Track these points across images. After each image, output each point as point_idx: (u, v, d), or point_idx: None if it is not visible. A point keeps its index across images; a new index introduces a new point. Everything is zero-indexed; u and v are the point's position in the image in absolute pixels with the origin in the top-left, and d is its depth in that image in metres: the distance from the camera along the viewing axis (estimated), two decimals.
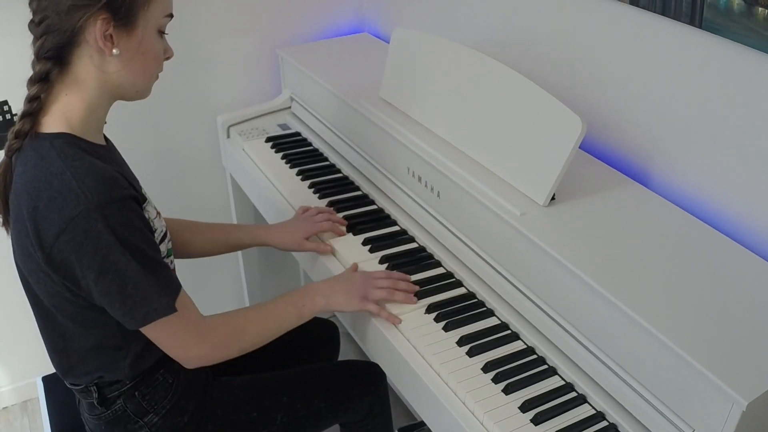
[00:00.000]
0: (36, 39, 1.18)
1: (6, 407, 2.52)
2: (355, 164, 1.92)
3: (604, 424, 1.22)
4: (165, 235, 1.37)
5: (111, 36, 1.17)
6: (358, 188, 1.88)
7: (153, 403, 1.37)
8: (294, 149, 2.08)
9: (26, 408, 2.51)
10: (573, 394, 1.27)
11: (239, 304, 2.71)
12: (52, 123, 1.20)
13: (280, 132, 2.18)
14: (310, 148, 2.09)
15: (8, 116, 2.03)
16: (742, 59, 1.27)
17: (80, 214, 1.11)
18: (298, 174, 1.94)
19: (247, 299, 2.65)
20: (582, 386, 1.26)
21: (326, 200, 1.81)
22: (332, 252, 1.64)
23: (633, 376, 1.18)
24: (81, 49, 1.18)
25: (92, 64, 1.20)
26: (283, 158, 2.03)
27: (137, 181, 1.35)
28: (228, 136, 2.23)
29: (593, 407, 1.25)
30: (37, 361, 2.45)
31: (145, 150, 2.25)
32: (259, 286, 2.64)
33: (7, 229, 1.28)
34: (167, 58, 1.30)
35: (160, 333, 1.24)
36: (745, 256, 1.29)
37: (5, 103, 2.02)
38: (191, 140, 2.34)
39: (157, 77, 1.30)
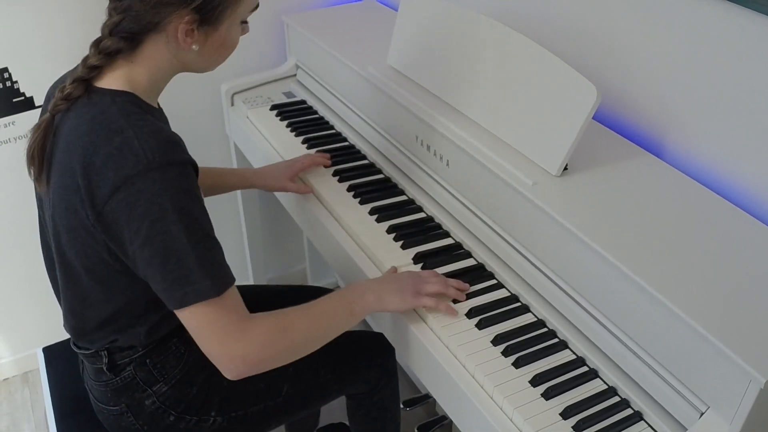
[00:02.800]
0: (112, 12, 1.14)
1: (6, 379, 2.51)
2: (361, 132, 1.88)
3: (616, 399, 1.19)
4: None
5: (193, 31, 1.16)
6: (364, 157, 1.84)
7: (164, 372, 1.35)
8: (299, 117, 2.04)
9: (27, 379, 2.51)
10: (584, 369, 1.25)
11: (242, 279, 2.70)
12: (115, 81, 1.16)
13: (285, 100, 2.15)
14: (316, 116, 2.05)
15: (8, 83, 2.00)
16: (760, 28, 1.24)
17: (138, 173, 1.06)
18: (303, 142, 1.91)
19: (251, 275, 2.63)
20: (594, 360, 1.24)
21: (332, 168, 1.78)
22: (313, 193, 1.70)
23: (646, 351, 1.15)
24: (158, 35, 1.15)
25: (167, 49, 1.17)
26: (288, 126, 1.99)
27: None
28: (232, 105, 2.20)
29: (605, 382, 1.22)
30: (37, 332, 2.45)
31: None
32: (262, 260, 2.63)
33: (38, 186, 1.23)
34: (243, 34, 1.29)
35: (199, 320, 1.13)
36: (761, 230, 1.26)
37: (5, 70, 1.98)
38: (194, 108, 2.30)
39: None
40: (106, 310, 1.26)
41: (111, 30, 1.14)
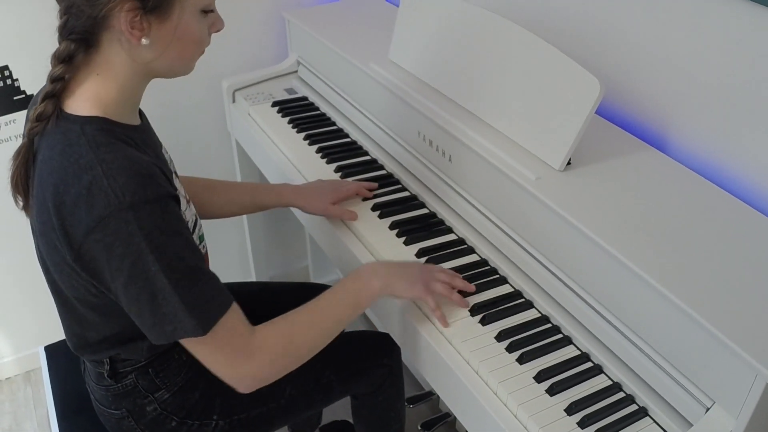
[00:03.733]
0: (60, 14, 1.08)
1: (9, 378, 2.51)
2: (363, 129, 1.87)
3: (621, 395, 1.19)
4: (195, 223, 1.30)
5: (140, 24, 1.06)
6: (366, 153, 1.83)
7: (166, 380, 1.34)
8: (301, 114, 2.04)
9: (29, 378, 2.50)
10: (589, 365, 1.24)
11: (245, 275, 2.69)
12: (84, 104, 1.09)
13: (287, 96, 2.14)
14: (318, 112, 2.04)
15: (8, 81, 1.99)
16: (763, 21, 1.23)
17: (111, 214, 1.01)
18: (305, 139, 1.90)
19: (252, 270, 2.63)
20: (598, 356, 1.23)
21: (334, 165, 1.77)
22: (357, 218, 1.59)
23: (651, 346, 1.15)
24: (110, 33, 1.07)
25: (123, 50, 1.09)
26: (289, 123, 1.98)
27: (170, 162, 1.28)
28: (233, 101, 2.19)
29: (610, 378, 1.21)
30: (39, 330, 2.45)
31: (148, 116, 2.20)
32: (264, 256, 2.62)
33: (26, 213, 1.19)
34: (216, 31, 1.19)
35: (201, 351, 1.13)
36: (765, 223, 1.25)
37: (6, 68, 1.98)
38: (195, 105, 2.30)
39: (201, 53, 1.18)
40: (106, 332, 1.24)
41: (61, 32, 1.08)
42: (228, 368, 1.15)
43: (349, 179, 1.71)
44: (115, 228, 1.01)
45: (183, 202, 1.22)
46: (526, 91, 1.41)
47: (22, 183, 1.14)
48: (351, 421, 1.82)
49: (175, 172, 1.31)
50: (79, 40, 1.08)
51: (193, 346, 1.12)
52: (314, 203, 1.59)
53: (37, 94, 1.21)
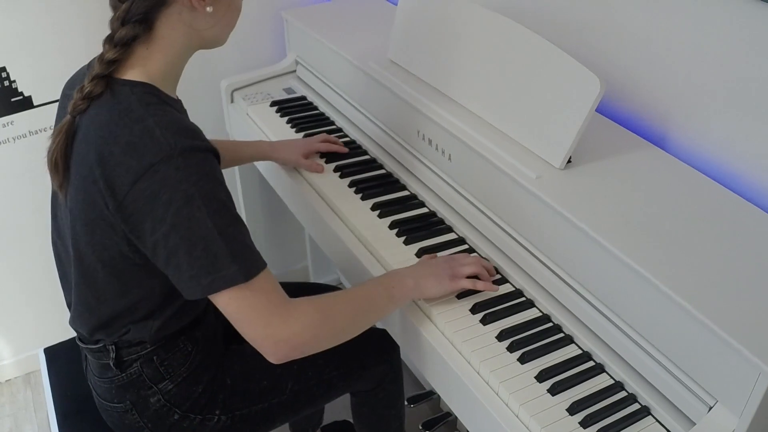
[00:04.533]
0: (117, 3, 1.12)
1: (9, 380, 2.50)
2: (362, 128, 1.87)
3: (623, 394, 1.18)
4: None
5: None
6: (365, 152, 1.83)
7: (170, 369, 1.34)
8: (300, 113, 2.03)
9: (29, 380, 2.50)
10: (590, 364, 1.23)
11: None
12: (132, 72, 1.15)
13: (286, 96, 2.14)
14: (316, 112, 2.04)
15: (6, 83, 1.98)
16: (764, 17, 1.22)
17: (161, 161, 1.04)
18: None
19: None
20: (600, 355, 1.22)
21: (333, 164, 1.77)
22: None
23: (653, 345, 1.14)
24: (170, 8, 1.13)
25: (181, 21, 1.15)
26: (288, 122, 1.98)
27: None
28: (232, 101, 2.18)
29: (612, 377, 1.21)
30: (38, 333, 2.44)
31: None
32: (263, 255, 2.61)
33: (60, 191, 1.20)
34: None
35: (239, 305, 1.11)
36: (766, 220, 1.25)
37: (3, 69, 1.97)
38: (194, 105, 2.26)
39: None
40: (121, 305, 1.24)
41: (123, 19, 1.11)
42: (263, 328, 1.13)
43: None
44: (163, 175, 1.04)
45: None
46: (526, 89, 1.40)
47: (62, 160, 1.16)
48: (351, 420, 1.82)
49: None
50: (141, 20, 1.12)
51: (229, 300, 1.10)
52: (287, 155, 1.75)
53: (76, 74, 1.27)
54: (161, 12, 1.13)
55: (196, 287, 1.09)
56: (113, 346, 1.30)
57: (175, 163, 1.05)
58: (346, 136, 1.91)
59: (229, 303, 1.11)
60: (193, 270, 1.08)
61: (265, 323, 1.12)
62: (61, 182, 1.18)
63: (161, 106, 1.12)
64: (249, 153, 1.75)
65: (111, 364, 1.31)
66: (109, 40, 1.13)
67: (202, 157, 1.08)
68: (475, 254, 1.45)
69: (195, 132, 1.11)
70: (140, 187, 1.05)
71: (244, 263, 1.09)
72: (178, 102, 1.25)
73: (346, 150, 1.80)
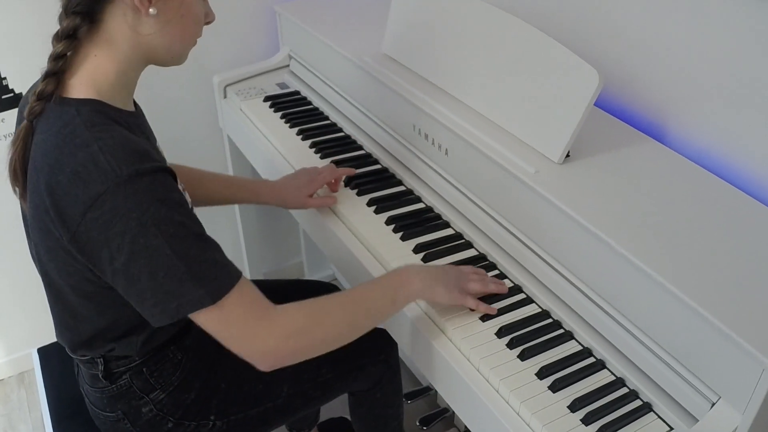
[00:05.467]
0: None
1: (2, 379, 2.48)
2: (357, 123, 1.85)
3: (624, 390, 1.17)
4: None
5: None
6: (360, 147, 1.81)
7: (161, 380, 1.32)
8: (293, 108, 2.01)
9: (23, 380, 2.47)
10: (591, 360, 1.22)
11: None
12: (79, 87, 1.08)
13: (279, 91, 2.12)
14: (310, 107, 2.02)
15: None
16: (762, 11, 1.22)
17: (107, 190, 0.99)
18: (298, 134, 1.88)
19: (246, 267, 2.60)
20: (601, 351, 1.21)
21: (328, 160, 1.75)
22: (336, 202, 1.58)
23: (654, 340, 1.13)
24: (114, 5, 1.07)
25: (125, 23, 1.08)
26: (282, 118, 1.96)
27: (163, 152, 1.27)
28: (225, 97, 2.16)
29: (612, 373, 1.20)
30: (32, 332, 2.42)
31: None
32: (258, 252, 2.60)
33: (23, 202, 1.16)
34: (208, 23, 1.20)
35: (215, 326, 1.08)
36: (767, 214, 1.24)
37: None
38: (186, 102, 2.27)
39: (195, 43, 1.20)
40: (99, 323, 1.21)
41: (66, 7, 1.07)
42: (246, 342, 1.10)
43: (327, 164, 1.70)
44: (113, 204, 0.99)
45: (179, 184, 1.20)
46: (524, 82, 1.39)
47: (21, 168, 1.12)
48: (349, 418, 1.80)
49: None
50: (84, 12, 1.07)
51: (206, 321, 1.07)
52: (291, 200, 1.58)
53: (36, 82, 1.20)
54: (106, 8, 1.07)
55: (162, 314, 1.05)
56: (101, 359, 1.28)
57: (123, 191, 0.99)
58: (340, 131, 1.89)
59: (206, 323, 1.08)
60: (157, 297, 1.04)
61: (249, 336, 1.09)
62: (22, 192, 1.14)
63: (108, 127, 1.05)
64: (247, 197, 1.62)
65: (100, 375, 1.29)
66: (55, 36, 1.09)
67: (151, 181, 1.02)
68: (493, 272, 1.41)
69: (142, 153, 1.04)
70: (91, 217, 1.00)
71: (211, 284, 1.05)
72: (133, 114, 1.18)
73: (354, 172, 1.67)
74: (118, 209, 0.99)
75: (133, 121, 1.15)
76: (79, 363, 1.34)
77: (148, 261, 1.01)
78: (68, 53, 1.08)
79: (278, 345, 1.11)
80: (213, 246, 1.09)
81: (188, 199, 1.24)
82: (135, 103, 1.23)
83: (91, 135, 1.03)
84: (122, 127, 1.08)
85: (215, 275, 1.06)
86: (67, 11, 1.07)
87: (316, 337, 1.16)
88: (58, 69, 1.08)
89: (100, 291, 1.13)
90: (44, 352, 1.64)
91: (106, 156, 1.01)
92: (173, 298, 1.03)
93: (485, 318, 1.28)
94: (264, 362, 1.12)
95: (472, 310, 1.30)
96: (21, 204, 1.18)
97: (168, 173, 1.07)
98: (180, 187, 1.19)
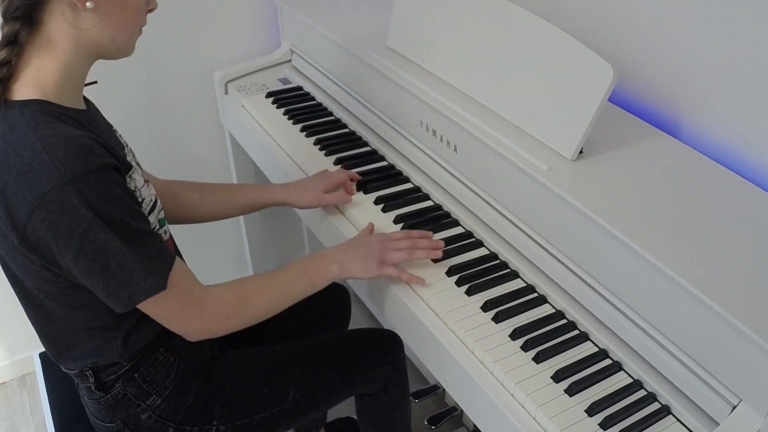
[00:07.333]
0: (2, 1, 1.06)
1: (4, 382, 2.46)
2: (362, 119, 1.82)
3: (642, 393, 1.14)
4: (155, 205, 1.26)
5: None
6: (366, 144, 1.78)
7: (154, 384, 1.29)
8: (297, 104, 1.98)
9: (25, 383, 2.45)
10: (608, 362, 1.19)
11: (241, 269, 2.65)
12: (24, 89, 1.08)
13: (281, 86, 2.08)
14: (314, 102, 1.99)
15: None
16: None
17: (53, 188, 1.00)
18: (302, 130, 1.85)
19: (250, 265, 2.58)
20: (617, 352, 1.18)
21: (333, 157, 1.72)
22: (351, 201, 1.58)
23: (673, 342, 1.10)
24: (52, 5, 1.06)
25: (65, 20, 1.08)
26: (285, 114, 1.93)
27: (123, 147, 1.25)
28: (226, 93, 2.13)
29: (630, 375, 1.17)
30: (33, 334, 2.37)
31: (138, 109, 2.15)
32: (262, 250, 2.57)
33: None
34: (150, 11, 1.19)
35: (156, 309, 1.16)
36: None
37: None
38: (187, 98, 2.23)
39: (140, 32, 1.18)
40: (74, 326, 1.21)
41: (5, 14, 1.06)
42: (184, 324, 1.20)
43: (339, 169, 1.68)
44: (59, 203, 1.01)
45: (139, 179, 1.22)
46: (536, 77, 1.36)
47: None
48: (356, 417, 1.78)
49: (134, 155, 1.29)
50: (22, 17, 1.06)
51: (151, 306, 1.14)
52: (305, 196, 1.56)
53: None
54: (44, 8, 1.07)
55: (118, 303, 1.11)
56: (90, 371, 1.27)
57: (68, 189, 1.01)
58: (345, 127, 1.86)
59: (148, 307, 1.15)
60: (111, 288, 1.09)
61: (183, 318, 1.19)
62: None
63: (51, 125, 1.05)
64: (260, 198, 1.58)
65: (93, 387, 1.28)
66: None
67: (96, 178, 1.04)
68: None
69: (86, 150, 1.05)
70: (38, 217, 1.02)
71: (158, 272, 1.12)
72: (83, 111, 1.16)
73: (359, 177, 1.64)
74: (64, 208, 1.02)
75: (82, 119, 1.14)
76: (73, 377, 1.32)
77: (98, 255, 1.05)
78: (12, 60, 1.08)
79: (208, 324, 1.22)
80: (152, 236, 1.13)
81: (152, 193, 1.27)
82: (87, 101, 1.23)
83: (34, 134, 1.04)
84: (67, 124, 1.08)
85: (161, 261, 1.13)
86: (5, 18, 1.07)
87: (241, 317, 1.26)
88: (3, 76, 1.08)
89: (65, 291, 1.15)
90: (46, 356, 1.62)
91: (50, 154, 1.02)
92: (125, 288, 1.09)
93: (498, 318, 1.25)
94: (200, 338, 1.23)
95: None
96: None
97: (113, 168, 1.08)
98: (141, 182, 1.22)
